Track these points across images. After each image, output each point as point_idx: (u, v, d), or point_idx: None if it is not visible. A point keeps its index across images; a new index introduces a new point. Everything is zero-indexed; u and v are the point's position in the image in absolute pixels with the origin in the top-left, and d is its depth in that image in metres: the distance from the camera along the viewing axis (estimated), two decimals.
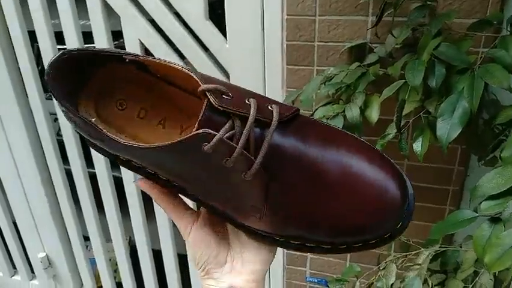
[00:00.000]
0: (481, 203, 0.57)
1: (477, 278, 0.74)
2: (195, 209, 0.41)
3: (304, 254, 1.19)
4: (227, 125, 0.30)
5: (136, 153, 0.34)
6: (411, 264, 0.80)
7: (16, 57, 1.24)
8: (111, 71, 0.37)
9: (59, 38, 1.18)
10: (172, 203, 0.39)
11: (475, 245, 0.58)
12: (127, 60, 0.35)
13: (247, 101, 0.32)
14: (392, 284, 0.79)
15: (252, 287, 0.37)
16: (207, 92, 0.31)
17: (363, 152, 0.35)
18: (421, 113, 0.74)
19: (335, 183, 0.33)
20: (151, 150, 0.32)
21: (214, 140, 0.30)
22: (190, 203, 0.41)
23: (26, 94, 1.30)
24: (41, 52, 1.19)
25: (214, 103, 0.30)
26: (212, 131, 0.30)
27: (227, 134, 0.30)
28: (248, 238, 0.38)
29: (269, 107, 0.33)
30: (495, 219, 0.57)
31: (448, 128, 0.64)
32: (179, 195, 0.40)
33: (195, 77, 0.32)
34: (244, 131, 0.31)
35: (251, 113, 0.31)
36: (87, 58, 0.36)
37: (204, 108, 0.31)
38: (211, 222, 0.40)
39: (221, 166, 0.31)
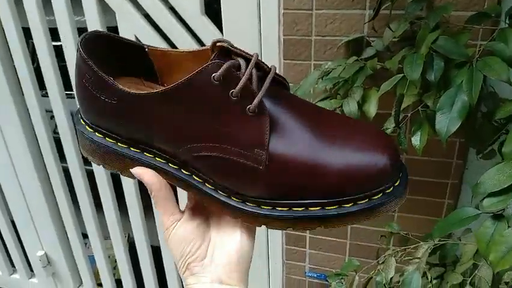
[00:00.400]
0: (483, 200, 0.57)
1: (476, 271, 0.74)
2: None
3: (303, 249, 1.19)
4: (234, 60, 0.34)
5: (147, 105, 0.36)
6: (411, 258, 0.80)
7: (11, 55, 1.23)
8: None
9: (54, 34, 1.17)
10: (165, 197, 0.39)
11: (479, 243, 0.58)
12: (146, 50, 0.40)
13: (249, 53, 0.36)
14: (391, 278, 0.79)
15: (233, 278, 0.37)
16: (218, 42, 0.35)
17: (358, 121, 0.38)
18: (419, 107, 0.74)
19: (331, 133, 0.35)
20: (161, 95, 0.34)
21: (225, 66, 0.33)
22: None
23: (22, 91, 1.29)
24: (36, 49, 1.18)
25: (223, 45, 0.34)
26: (222, 61, 0.33)
27: (234, 66, 0.34)
28: (230, 221, 0.38)
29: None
30: (498, 216, 0.57)
31: (447, 121, 0.64)
32: (173, 195, 0.40)
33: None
34: (249, 65, 0.34)
35: (254, 55, 0.35)
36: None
37: (214, 53, 0.35)
38: (194, 215, 0.40)
39: (227, 101, 0.33)
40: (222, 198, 0.37)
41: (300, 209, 0.34)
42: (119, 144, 0.39)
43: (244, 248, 0.38)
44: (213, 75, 0.33)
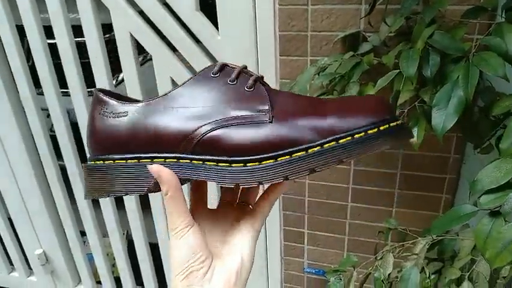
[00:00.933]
0: (480, 196, 0.57)
1: (474, 266, 0.74)
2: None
3: (301, 245, 1.19)
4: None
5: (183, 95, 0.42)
6: (409, 253, 0.80)
7: (5, 53, 1.22)
8: None
9: (48, 32, 1.16)
10: (180, 198, 0.39)
11: (476, 240, 0.57)
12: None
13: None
14: (389, 274, 0.79)
15: None
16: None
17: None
18: (416, 103, 0.73)
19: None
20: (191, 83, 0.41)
21: (220, 64, 0.42)
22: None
23: (17, 89, 1.28)
24: (31, 48, 1.17)
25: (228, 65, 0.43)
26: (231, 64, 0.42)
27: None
28: (236, 242, 0.40)
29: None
30: (495, 213, 0.56)
31: (443, 117, 0.63)
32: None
33: None
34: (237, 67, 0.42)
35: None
36: None
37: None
38: (206, 228, 0.41)
39: (227, 86, 0.40)
40: (233, 168, 0.39)
41: (300, 153, 0.37)
42: (130, 161, 0.42)
43: (245, 268, 0.39)
44: (212, 71, 0.41)
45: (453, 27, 0.71)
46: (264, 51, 0.98)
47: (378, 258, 0.83)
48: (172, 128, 0.40)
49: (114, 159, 0.42)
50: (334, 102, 0.39)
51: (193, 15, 0.99)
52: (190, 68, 1.07)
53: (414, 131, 0.71)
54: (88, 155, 0.45)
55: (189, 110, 0.40)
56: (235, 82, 0.41)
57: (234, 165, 0.38)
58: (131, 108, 0.42)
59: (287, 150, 0.37)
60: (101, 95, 0.44)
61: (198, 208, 0.44)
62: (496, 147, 0.77)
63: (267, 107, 0.39)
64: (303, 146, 0.37)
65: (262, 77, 0.42)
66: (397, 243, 0.84)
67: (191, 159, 0.40)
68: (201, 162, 0.40)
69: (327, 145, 0.36)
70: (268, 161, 0.37)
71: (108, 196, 0.43)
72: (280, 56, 0.96)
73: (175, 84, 1.10)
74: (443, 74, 0.67)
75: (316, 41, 0.92)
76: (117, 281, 1.61)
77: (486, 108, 0.74)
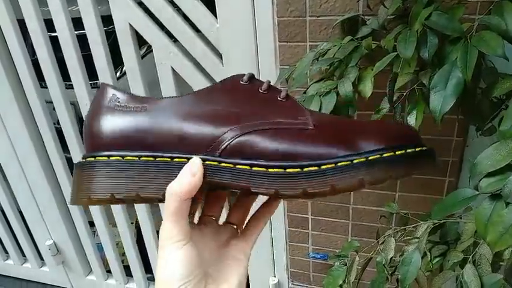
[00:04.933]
0: (480, 180, 0.56)
1: (477, 248, 0.74)
2: None
3: (306, 231, 1.20)
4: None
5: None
6: (410, 237, 0.79)
7: (8, 47, 1.23)
8: None
9: (48, 25, 1.16)
10: (187, 209, 0.35)
11: (477, 224, 0.57)
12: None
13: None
14: (391, 258, 0.80)
15: None
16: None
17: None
18: (415, 85, 0.72)
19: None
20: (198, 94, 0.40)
21: (250, 74, 0.41)
22: None
23: (21, 84, 1.29)
24: (33, 41, 1.18)
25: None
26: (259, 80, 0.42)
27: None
28: (231, 265, 0.37)
29: None
30: (495, 196, 0.56)
31: (442, 99, 0.63)
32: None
33: None
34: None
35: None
36: None
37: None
38: (202, 246, 0.38)
39: (258, 94, 0.40)
40: (274, 170, 0.36)
41: (344, 163, 0.36)
42: (142, 159, 0.38)
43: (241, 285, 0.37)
44: (241, 78, 0.41)
45: (451, 7, 0.70)
46: (263, 37, 0.97)
47: (380, 242, 0.83)
48: (201, 129, 0.37)
49: (122, 156, 0.38)
50: (370, 123, 0.40)
51: (191, 4, 0.99)
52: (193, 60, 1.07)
53: (413, 114, 0.70)
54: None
55: (219, 112, 0.38)
56: (267, 92, 0.40)
57: (270, 170, 0.36)
58: (151, 103, 0.39)
59: (332, 160, 0.35)
60: (110, 87, 0.41)
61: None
62: (499, 128, 0.76)
63: (306, 116, 0.38)
64: (350, 157, 0.35)
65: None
66: (399, 227, 0.84)
67: (219, 162, 0.37)
68: (232, 165, 0.37)
69: (372, 157, 0.35)
70: (311, 168, 0.35)
71: (110, 197, 0.37)
72: (279, 42, 0.96)
73: (176, 74, 1.10)
74: (442, 55, 0.66)
75: (315, 26, 0.91)
76: (127, 269, 1.63)
77: (488, 89, 0.73)
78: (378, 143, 0.36)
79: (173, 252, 0.33)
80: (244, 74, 0.41)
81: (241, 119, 0.37)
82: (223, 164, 0.36)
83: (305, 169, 0.35)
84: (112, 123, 0.39)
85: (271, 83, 0.41)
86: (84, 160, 0.39)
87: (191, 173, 0.34)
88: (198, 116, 0.38)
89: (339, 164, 0.35)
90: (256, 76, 0.41)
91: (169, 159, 0.37)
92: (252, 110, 0.38)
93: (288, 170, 0.35)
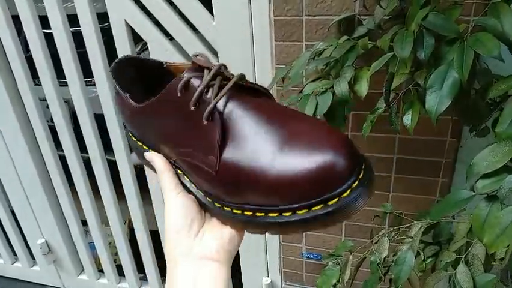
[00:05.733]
0: (476, 181, 0.57)
1: (469, 248, 0.75)
2: None
3: None
4: (197, 73, 0.37)
5: (137, 116, 0.43)
6: (404, 237, 0.80)
7: (2, 43, 1.22)
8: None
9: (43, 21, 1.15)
10: (169, 177, 0.41)
11: (474, 225, 0.57)
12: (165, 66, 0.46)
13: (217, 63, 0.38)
14: (385, 258, 0.80)
15: (221, 256, 0.37)
16: (192, 57, 0.38)
17: (315, 122, 0.36)
18: (411, 86, 0.73)
19: (284, 138, 0.34)
20: (144, 109, 0.41)
21: (184, 79, 0.37)
22: None
23: (15, 82, 1.28)
24: (27, 38, 1.17)
25: (194, 60, 0.37)
26: (184, 76, 0.37)
27: (195, 79, 0.37)
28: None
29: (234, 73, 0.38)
30: (492, 198, 0.56)
31: (437, 100, 0.63)
32: None
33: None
34: (207, 77, 0.36)
35: (216, 66, 0.37)
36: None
37: (188, 68, 0.38)
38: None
39: (189, 112, 0.36)
40: (199, 197, 0.40)
41: (249, 213, 0.35)
42: (143, 146, 0.45)
43: (235, 238, 0.38)
44: (177, 88, 0.37)
45: (448, 8, 0.70)
46: (260, 36, 0.97)
47: (374, 242, 0.83)
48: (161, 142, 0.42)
49: (136, 138, 0.46)
50: (288, 150, 0.33)
51: (188, 2, 0.99)
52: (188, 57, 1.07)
53: (409, 115, 0.71)
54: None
55: (154, 131, 0.43)
56: (195, 108, 0.36)
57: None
58: (132, 107, 0.44)
59: (239, 205, 0.35)
60: (112, 76, 0.45)
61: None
62: (493, 129, 0.77)
63: (214, 156, 0.35)
64: (251, 207, 0.35)
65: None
66: (393, 227, 0.85)
67: (176, 168, 0.42)
68: (182, 173, 0.42)
69: (272, 214, 0.34)
70: (227, 208, 0.37)
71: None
72: (275, 41, 0.96)
73: None
74: (438, 56, 0.67)
75: (311, 25, 0.91)
76: (119, 269, 1.62)
77: (482, 90, 0.73)
78: (279, 200, 0.32)
79: (169, 200, 0.40)
80: (181, 79, 0.37)
81: (174, 144, 0.40)
82: (178, 171, 0.42)
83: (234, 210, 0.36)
84: (123, 117, 0.47)
85: (201, 87, 0.36)
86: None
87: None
88: (151, 129, 0.42)
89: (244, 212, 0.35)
90: (252, 75, 0.40)
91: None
92: (180, 134, 0.39)
93: (205, 200, 0.39)
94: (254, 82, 0.39)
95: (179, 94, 0.37)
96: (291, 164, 0.32)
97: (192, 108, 0.36)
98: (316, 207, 0.31)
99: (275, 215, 0.33)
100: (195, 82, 0.37)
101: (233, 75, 0.38)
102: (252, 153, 0.34)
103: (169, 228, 0.39)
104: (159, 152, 0.43)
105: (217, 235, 0.38)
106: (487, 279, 0.71)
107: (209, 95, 0.36)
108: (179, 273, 0.37)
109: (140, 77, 0.47)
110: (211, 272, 0.36)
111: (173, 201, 0.40)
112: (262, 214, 0.34)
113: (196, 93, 0.36)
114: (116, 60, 0.45)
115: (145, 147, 0.45)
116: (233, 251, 0.39)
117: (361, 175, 0.31)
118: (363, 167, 0.32)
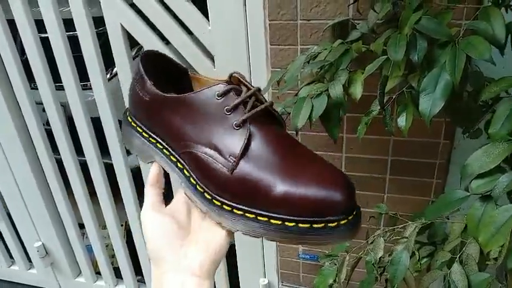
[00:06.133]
0: (471, 181, 0.58)
1: (464, 248, 0.76)
2: None
3: None
4: (237, 86, 0.42)
5: (165, 105, 0.45)
6: (399, 237, 0.81)
7: None
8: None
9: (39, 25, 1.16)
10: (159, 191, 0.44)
11: (469, 224, 0.59)
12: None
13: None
14: (380, 258, 0.81)
15: (205, 272, 0.39)
16: (234, 73, 0.43)
17: (324, 163, 0.41)
18: (404, 88, 0.74)
19: (299, 161, 0.40)
20: (167, 99, 0.44)
21: (228, 87, 0.41)
22: None
23: (11, 85, 1.28)
24: (23, 42, 1.17)
25: (235, 75, 0.43)
26: (226, 84, 0.42)
27: (233, 91, 0.42)
28: (208, 221, 0.41)
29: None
30: (486, 198, 0.58)
31: (431, 102, 0.64)
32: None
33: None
34: (247, 93, 0.42)
35: (254, 88, 0.42)
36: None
37: (227, 80, 0.43)
38: (175, 213, 0.43)
39: (222, 115, 0.41)
40: (198, 193, 0.42)
41: (251, 215, 0.39)
42: (143, 134, 0.48)
43: (223, 249, 0.40)
44: (217, 92, 0.41)
45: (440, 12, 0.71)
46: (255, 40, 0.98)
47: (370, 242, 0.84)
48: (170, 135, 0.45)
49: (136, 125, 0.48)
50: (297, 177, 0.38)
51: (183, 7, 0.99)
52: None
53: (403, 117, 0.72)
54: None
55: (182, 125, 0.44)
56: (230, 113, 0.41)
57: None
58: (154, 93, 0.46)
59: (243, 207, 0.39)
60: (138, 60, 0.47)
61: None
62: (485, 131, 0.78)
63: (235, 157, 0.39)
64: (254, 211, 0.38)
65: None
66: (388, 227, 0.86)
67: (176, 161, 0.45)
68: (181, 167, 0.45)
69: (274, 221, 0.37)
70: (228, 208, 0.39)
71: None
72: (270, 45, 0.97)
73: None
74: (431, 59, 0.68)
75: (306, 29, 0.92)
76: (116, 271, 1.62)
77: (474, 93, 0.74)
78: (288, 213, 0.37)
79: (145, 219, 0.41)
80: (221, 87, 0.42)
81: (190, 138, 0.43)
82: (178, 164, 0.45)
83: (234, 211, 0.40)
84: (132, 101, 0.50)
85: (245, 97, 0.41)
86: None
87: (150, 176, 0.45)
88: (169, 121, 0.45)
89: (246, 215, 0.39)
90: (247, 78, 0.42)
91: (154, 142, 0.47)
92: (203, 130, 0.42)
93: (204, 198, 0.41)
94: (277, 111, 0.44)
95: (217, 98, 0.41)
96: (301, 186, 0.37)
97: (228, 113, 0.41)
98: (303, 225, 0.36)
99: (278, 222, 0.37)
100: (233, 93, 0.42)
101: (265, 100, 0.43)
102: (266, 168, 0.39)
103: (149, 247, 0.40)
104: (160, 145, 0.46)
105: (202, 248, 0.39)
106: (481, 278, 0.72)
107: (245, 107, 0.41)
108: (169, 279, 0.38)
109: (158, 74, 0.49)
110: (196, 284, 0.38)
111: (149, 221, 0.41)
112: (265, 219, 0.38)
113: (236, 101, 0.41)
114: (145, 51, 0.49)
115: (144, 135, 0.48)
116: (218, 261, 0.40)
117: (351, 217, 0.37)
118: (354, 213, 0.38)
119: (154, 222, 0.41)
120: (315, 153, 0.42)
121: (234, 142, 0.40)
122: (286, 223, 0.37)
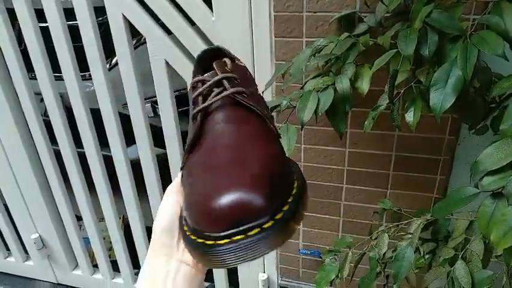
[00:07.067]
0: (481, 178, 0.57)
1: (468, 245, 0.75)
2: None
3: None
4: (203, 77, 0.40)
5: None
6: (403, 233, 0.80)
7: None
8: None
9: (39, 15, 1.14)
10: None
11: (480, 222, 0.57)
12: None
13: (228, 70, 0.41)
14: (384, 253, 0.80)
15: (200, 266, 0.38)
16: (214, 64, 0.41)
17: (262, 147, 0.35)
18: (412, 83, 0.73)
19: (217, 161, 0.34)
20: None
21: (193, 80, 0.40)
22: None
23: (10, 75, 1.26)
24: (22, 31, 1.15)
25: (215, 66, 0.40)
26: (198, 77, 0.40)
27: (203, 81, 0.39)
28: None
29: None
30: (497, 195, 0.56)
31: (442, 97, 0.63)
32: None
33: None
34: (206, 84, 0.39)
35: (215, 78, 0.39)
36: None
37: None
38: None
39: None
40: None
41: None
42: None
43: None
44: (190, 86, 0.40)
45: (451, 6, 0.70)
46: (259, 32, 0.97)
47: (373, 238, 0.84)
48: None
49: None
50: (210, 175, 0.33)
51: None
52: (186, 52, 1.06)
53: (411, 112, 0.71)
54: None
55: None
56: (193, 106, 0.39)
57: None
58: None
59: None
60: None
61: None
62: (491, 128, 0.77)
63: (186, 153, 0.38)
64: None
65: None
66: (392, 223, 0.85)
67: None
68: None
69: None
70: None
71: None
72: (275, 37, 0.95)
73: (169, 67, 1.09)
74: (441, 53, 0.67)
75: (311, 21, 0.91)
76: (114, 264, 1.61)
77: (482, 88, 0.74)
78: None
79: (164, 197, 0.40)
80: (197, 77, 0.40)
81: None
82: None
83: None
84: None
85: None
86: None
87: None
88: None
89: None
90: (251, 71, 0.40)
91: None
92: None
93: None
94: (250, 102, 0.38)
95: (191, 92, 0.40)
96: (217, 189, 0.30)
97: (192, 107, 0.39)
98: (221, 241, 0.29)
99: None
100: (200, 85, 0.39)
101: (228, 87, 0.39)
102: (198, 166, 0.36)
103: (155, 223, 0.39)
104: None
105: None
106: (485, 276, 0.72)
107: (201, 100, 0.39)
108: (161, 263, 0.38)
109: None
110: (188, 273, 0.37)
111: (167, 195, 0.40)
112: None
113: (195, 94, 0.39)
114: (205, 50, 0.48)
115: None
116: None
117: (279, 216, 0.29)
118: (283, 208, 0.30)
119: (169, 200, 0.39)
120: (262, 141, 0.36)
121: (189, 138, 0.38)
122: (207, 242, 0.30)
